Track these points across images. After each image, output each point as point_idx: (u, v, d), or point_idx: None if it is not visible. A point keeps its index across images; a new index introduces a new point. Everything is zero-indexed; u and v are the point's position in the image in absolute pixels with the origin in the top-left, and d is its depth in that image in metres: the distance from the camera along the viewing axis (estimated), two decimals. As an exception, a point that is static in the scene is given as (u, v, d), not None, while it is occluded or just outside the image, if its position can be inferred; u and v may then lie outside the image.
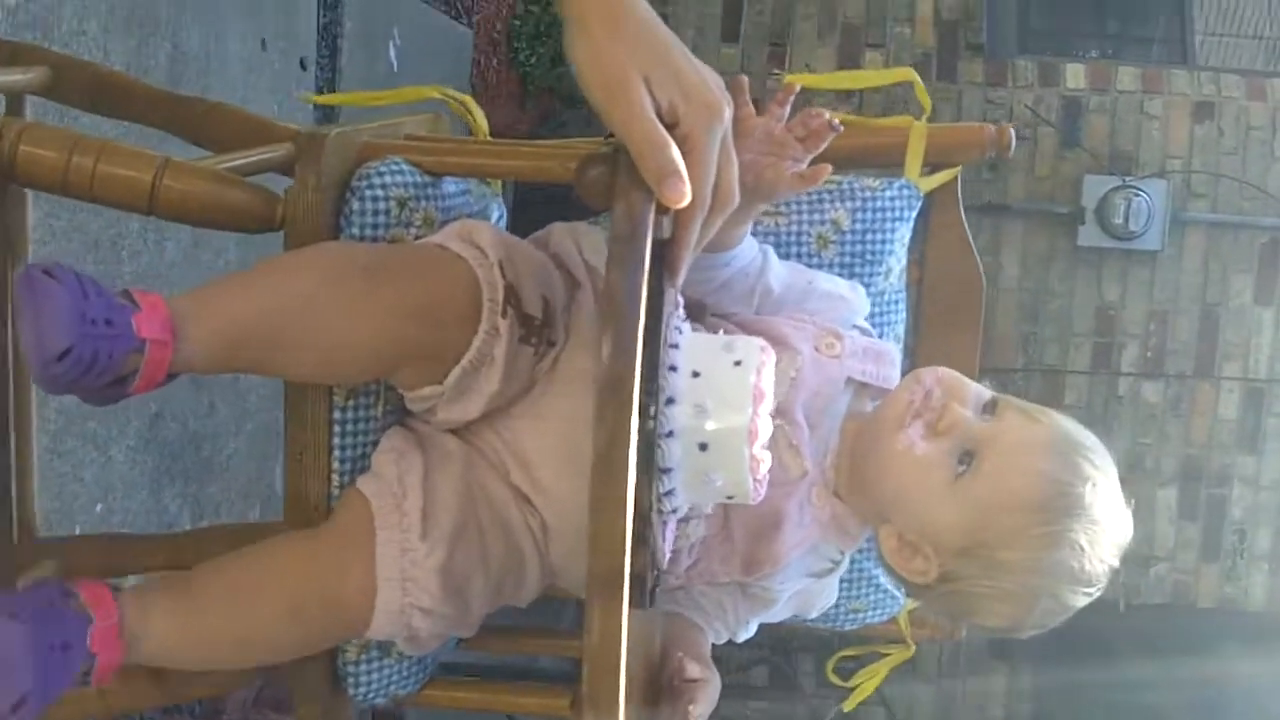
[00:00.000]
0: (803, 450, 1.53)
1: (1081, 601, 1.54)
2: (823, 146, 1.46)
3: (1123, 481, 1.57)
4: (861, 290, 1.69)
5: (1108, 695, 5.67)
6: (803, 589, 1.65)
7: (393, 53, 4.02)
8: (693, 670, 1.45)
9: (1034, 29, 5.95)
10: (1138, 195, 5.28)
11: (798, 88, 1.48)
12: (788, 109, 1.46)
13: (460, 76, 4.65)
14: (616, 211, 1.16)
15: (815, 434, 1.55)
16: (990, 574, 1.51)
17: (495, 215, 1.63)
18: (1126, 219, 5.27)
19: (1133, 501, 1.56)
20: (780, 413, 1.49)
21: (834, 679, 1.96)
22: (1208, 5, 5.97)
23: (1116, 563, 1.54)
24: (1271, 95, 5.44)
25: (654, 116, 1.18)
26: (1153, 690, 5.61)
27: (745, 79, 1.42)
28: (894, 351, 1.66)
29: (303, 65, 3.43)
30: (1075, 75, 5.48)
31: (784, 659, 5.45)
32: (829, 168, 1.45)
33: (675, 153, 1.17)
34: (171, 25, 2.75)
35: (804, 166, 1.46)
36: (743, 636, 1.67)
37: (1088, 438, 1.55)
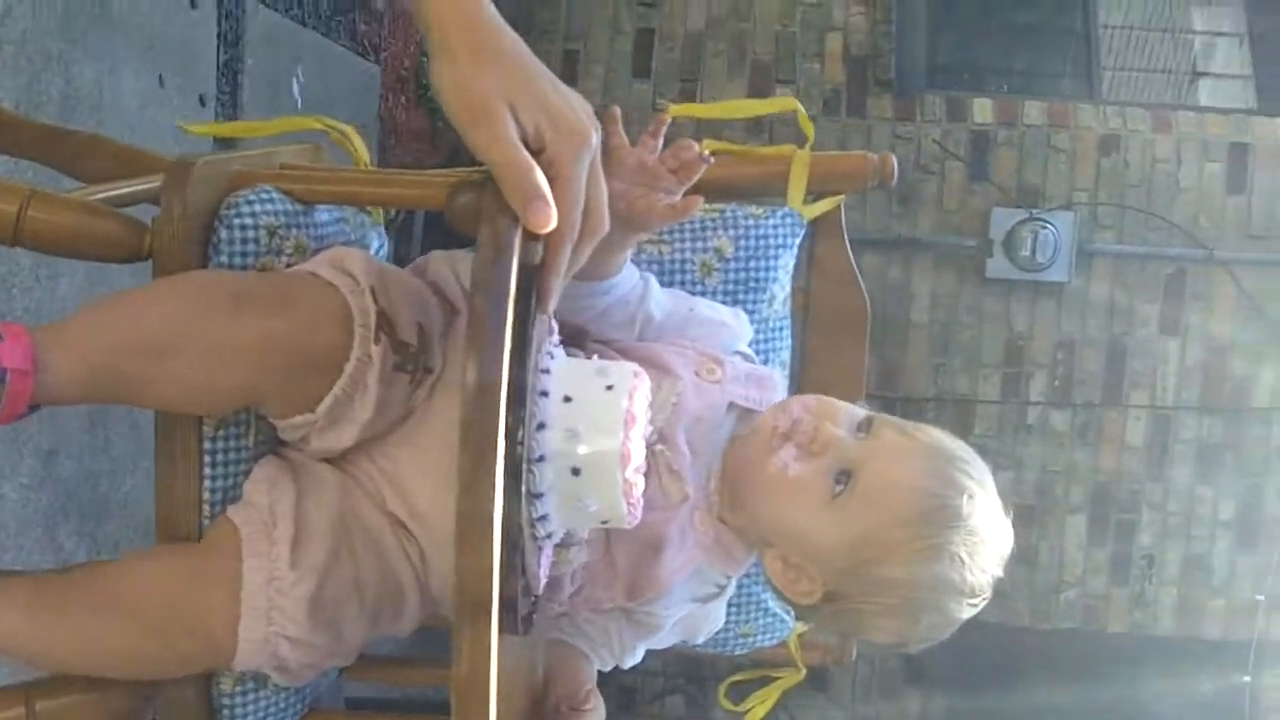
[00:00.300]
0: (684, 475, 1.53)
1: (967, 613, 1.55)
2: (695, 178, 1.46)
3: (1032, 509, 1.60)
4: (744, 316, 1.69)
5: (1020, 718, 5.70)
6: (689, 614, 1.64)
7: (296, 89, 3.99)
8: (585, 701, 1.45)
9: (942, 65, 6.01)
10: (1045, 227, 5.34)
11: (668, 119, 1.47)
12: (660, 140, 1.46)
13: (367, 113, 4.64)
14: (481, 236, 1.16)
15: (698, 459, 1.55)
16: (874, 591, 1.52)
17: (375, 244, 1.63)
18: (1034, 251, 5.33)
19: (1010, 511, 1.57)
20: (662, 438, 1.49)
21: (725, 704, 1.96)
22: (1114, 40, 6.06)
23: (999, 572, 1.55)
24: (1176, 128, 5.52)
25: (517, 141, 1.18)
26: (1065, 715, 5.65)
27: (618, 109, 1.42)
28: (777, 377, 1.67)
29: (202, 102, 3.41)
30: (983, 110, 5.54)
31: (698, 688, 5.44)
32: (700, 199, 1.46)
33: (539, 177, 1.17)
34: (63, 61, 2.73)
35: (677, 198, 1.46)
36: (629, 663, 1.67)
37: (963, 450, 1.55)
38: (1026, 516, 5.52)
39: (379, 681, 1.78)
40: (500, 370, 1.11)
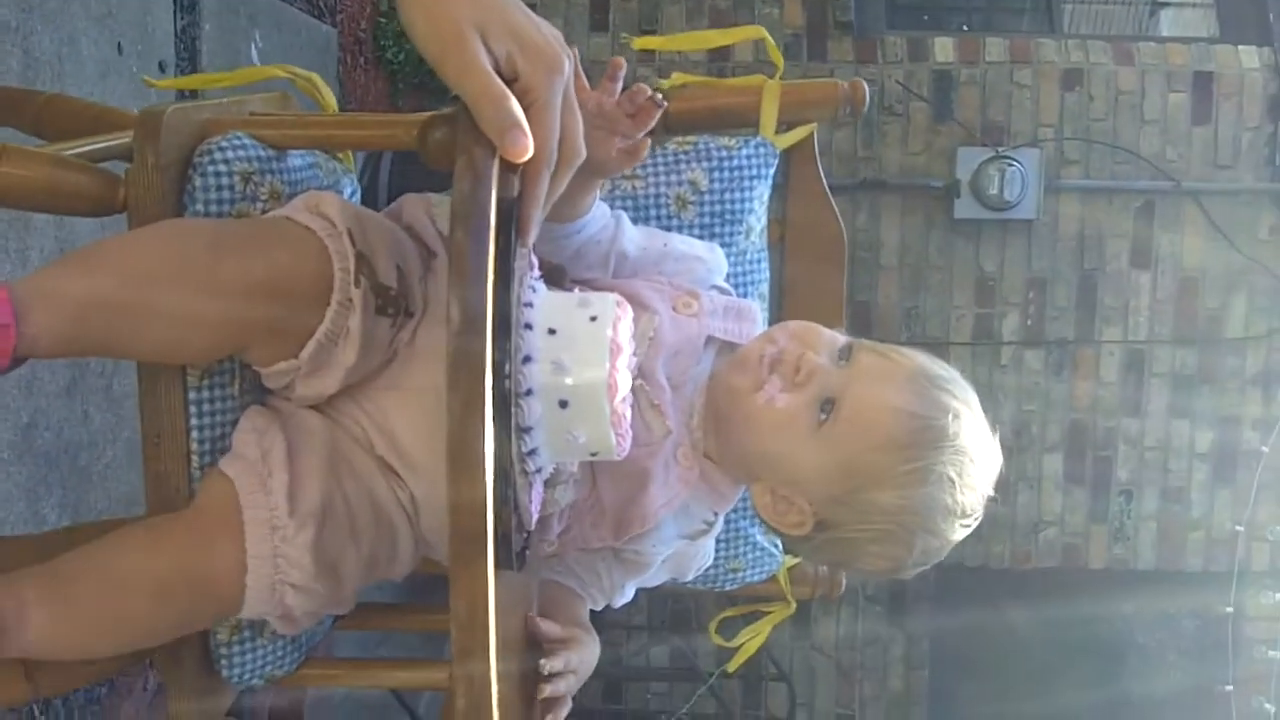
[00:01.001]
0: (665, 409, 1.52)
1: (960, 533, 1.55)
2: (651, 123, 1.44)
3: (1009, 450, 1.59)
4: (719, 251, 1.69)
5: (1005, 661, 5.73)
6: (677, 551, 1.65)
7: (255, 54, 3.97)
8: (549, 630, 1.45)
9: (901, 5, 5.99)
10: (1011, 165, 5.33)
11: (623, 66, 1.45)
12: (619, 85, 1.44)
13: (327, 76, 4.60)
14: (458, 168, 1.15)
15: (679, 394, 1.55)
16: (865, 518, 1.52)
17: (348, 190, 1.62)
18: (1001, 189, 5.32)
19: (998, 429, 1.57)
20: (641, 373, 1.49)
21: (717, 639, 1.96)
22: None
23: (990, 490, 1.55)
24: (1139, 59, 5.51)
25: (490, 69, 1.16)
26: (1049, 654, 5.68)
27: (577, 50, 1.41)
28: (755, 309, 1.66)
29: (161, 69, 3.38)
30: (944, 49, 5.52)
31: (684, 640, 5.45)
32: (648, 142, 1.45)
33: (515, 105, 1.15)
34: (21, 31, 2.70)
35: (634, 142, 1.45)
36: (619, 602, 1.67)
37: (945, 370, 1.55)
38: (1004, 457, 5.51)
39: (374, 629, 1.77)
40: (485, 301, 1.10)
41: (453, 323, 1.09)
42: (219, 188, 1.37)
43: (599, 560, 1.62)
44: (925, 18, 6.10)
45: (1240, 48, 5.50)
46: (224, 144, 1.38)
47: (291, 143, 1.45)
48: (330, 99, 1.69)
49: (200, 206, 1.37)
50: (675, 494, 1.55)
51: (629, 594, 1.68)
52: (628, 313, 1.31)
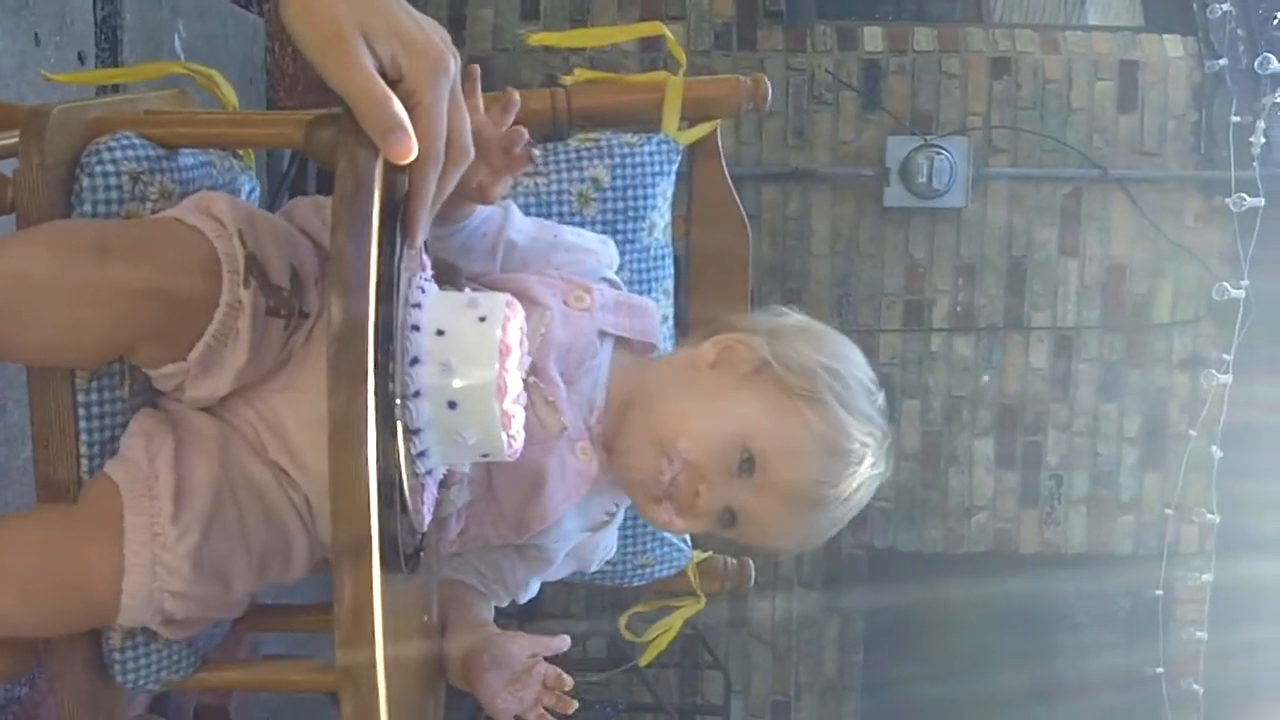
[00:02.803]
0: (560, 406, 1.53)
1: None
2: (516, 171, 1.45)
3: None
4: (611, 244, 1.69)
5: (939, 644, 5.77)
6: (579, 544, 1.66)
7: (178, 44, 3.94)
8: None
9: (831, -6, 6.02)
10: (940, 154, 5.35)
11: (518, 101, 1.45)
12: (510, 117, 1.43)
13: (254, 64, 4.57)
14: (340, 170, 1.15)
15: (574, 389, 1.55)
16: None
17: (246, 188, 1.61)
18: (930, 178, 5.34)
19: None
20: (534, 369, 1.49)
21: (627, 635, 1.97)
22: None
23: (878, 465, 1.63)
24: (1065, 47, 5.54)
25: (372, 70, 1.16)
26: (982, 638, 5.71)
27: (477, 68, 1.39)
28: (651, 305, 1.67)
29: (81, 59, 3.34)
30: (873, 38, 5.54)
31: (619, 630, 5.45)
32: (502, 188, 1.46)
33: (397, 106, 1.15)
34: (-69, 22, 2.67)
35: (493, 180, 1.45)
36: (524, 598, 1.68)
37: (838, 475, 1.58)
38: (934, 443, 5.57)
39: (275, 630, 1.76)
40: (366, 304, 1.10)
41: (333, 325, 1.08)
42: (107, 188, 1.36)
43: (502, 557, 1.62)
44: (854, 7, 6.11)
45: (1165, 36, 5.54)
46: (112, 144, 1.37)
47: (181, 141, 1.44)
48: (230, 95, 1.68)
49: (88, 207, 1.36)
50: (574, 490, 1.56)
51: (533, 589, 1.69)
52: (518, 313, 1.31)
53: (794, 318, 1.67)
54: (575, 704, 1.46)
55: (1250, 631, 5.61)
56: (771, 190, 5.45)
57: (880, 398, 1.63)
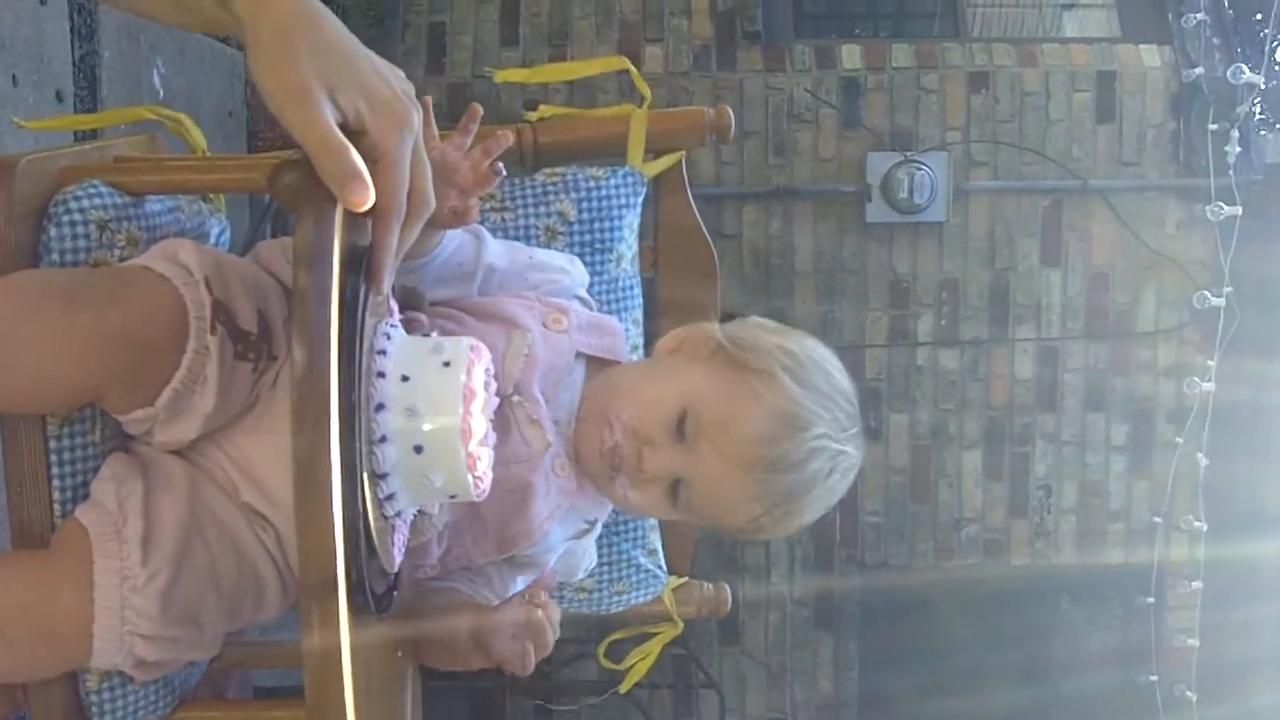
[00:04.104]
0: (543, 424, 1.56)
1: (840, 497, 1.63)
2: (487, 188, 1.47)
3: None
4: (578, 262, 1.72)
5: (932, 656, 5.77)
6: (566, 551, 1.69)
7: (157, 80, 3.95)
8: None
9: (809, 14, 6.04)
10: (920, 169, 5.38)
11: (479, 117, 1.47)
12: (469, 138, 1.47)
13: (234, 99, 4.59)
14: (302, 217, 1.16)
15: (553, 406, 1.58)
16: (750, 539, 1.63)
17: (215, 231, 1.62)
18: (911, 193, 5.37)
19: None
20: (518, 389, 1.53)
21: (605, 663, 1.99)
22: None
23: (857, 466, 1.63)
24: (1043, 60, 5.57)
25: (331, 121, 1.17)
26: (975, 649, 5.72)
27: (430, 99, 1.41)
28: (615, 322, 1.70)
29: (59, 98, 3.36)
30: (851, 56, 5.57)
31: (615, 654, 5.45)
32: (476, 209, 1.48)
33: (354, 156, 1.17)
34: (-93, 66, 2.69)
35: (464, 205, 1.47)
36: None
37: (782, 439, 1.57)
38: (923, 456, 5.59)
39: (258, 666, 1.78)
40: (328, 348, 1.11)
41: (296, 369, 1.10)
42: (74, 237, 1.38)
43: (489, 565, 1.64)
44: (832, 26, 6.14)
45: (1141, 47, 5.58)
46: (79, 193, 1.39)
47: (148, 188, 1.46)
48: (199, 139, 1.70)
49: (56, 257, 1.37)
50: (557, 505, 1.60)
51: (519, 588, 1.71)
52: (482, 356, 1.33)
53: (766, 321, 1.68)
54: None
55: (1242, 634, 5.63)
56: (753, 209, 5.48)
57: (847, 385, 1.63)
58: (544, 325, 1.60)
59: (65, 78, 3.44)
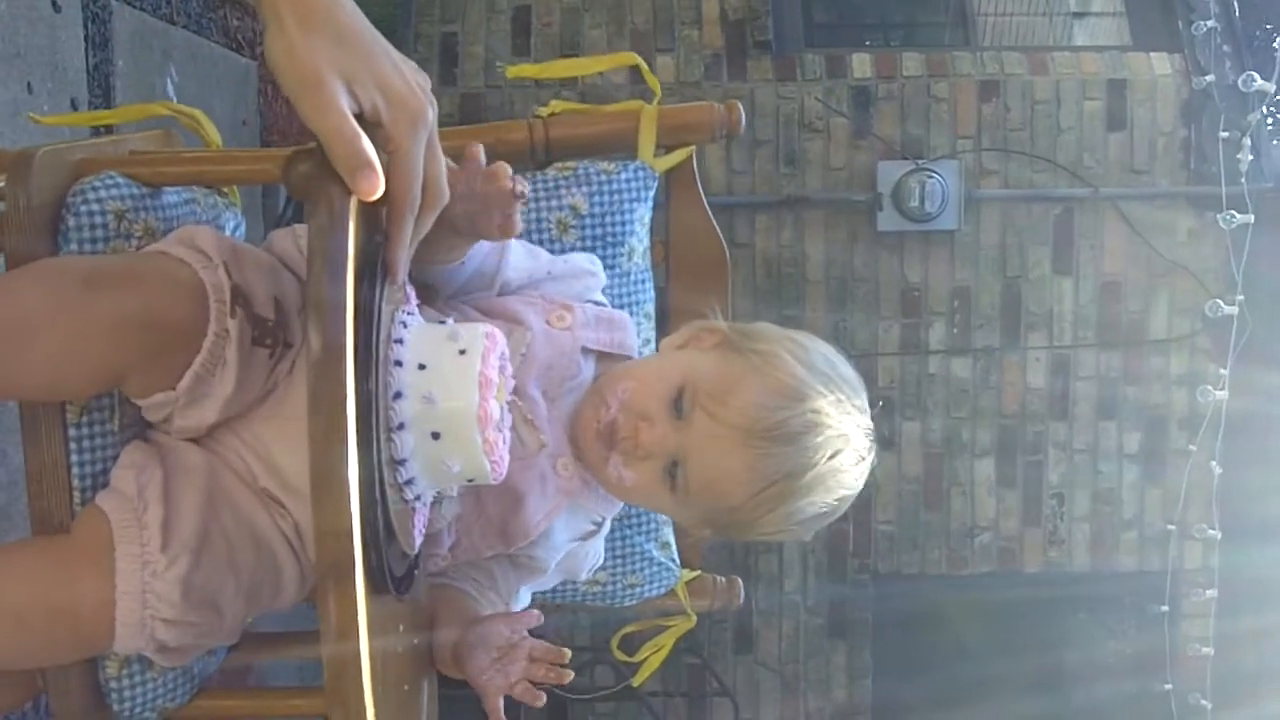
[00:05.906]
0: (539, 424, 1.56)
1: (845, 492, 1.60)
2: (517, 203, 1.43)
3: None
4: (598, 262, 1.72)
5: (945, 665, 5.77)
6: (569, 552, 1.69)
7: (171, 89, 3.98)
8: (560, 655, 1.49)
9: (819, 23, 6.05)
10: (931, 177, 5.39)
11: (479, 155, 1.45)
12: (478, 164, 1.45)
13: (247, 109, 4.62)
14: (315, 205, 1.18)
15: (555, 406, 1.58)
16: (752, 530, 1.60)
17: (230, 224, 1.64)
18: (922, 201, 5.38)
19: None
20: (514, 389, 1.51)
21: (619, 655, 1.99)
22: (990, -13, 6.12)
23: (865, 461, 1.60)
24: (1053, 69, 5.58)
25: (346, 110, 1.18)
26: (988, 657, 5.71)
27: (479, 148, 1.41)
28: (625, 317, 1.70)
29: (74, 106, 3.39)
30: (862, 65, 5.58)
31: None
32: (518, 218, 1.45)
33: (366, 144, 1.18)
34: (-75, 74, 2.71)
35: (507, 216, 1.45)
36: (516, 607, 1.69)
37: (780, 408, 1.54)
38: (935, 465, 5.59)
39: (275, 657, 1.79)
40: (343, 332, 1.12)
41: (312, 353, 1.11)
42: (92, 226, 1.40)
43: (494, 564, 1.65)
44: (843, 36, 6.15)
45: (1152, 54, 5.59)
46: (97, 184, 1.41)
47: (164, 180, 1.48)
48: (214, 134, 1.71)
49: (75, 246, 1.39)
50: (555, 505, 1.59)
51: (524, 599, 1.71)
52: (498, 344, 1.34)
53: (775, 326, 1.67)
54: (571, 674, 1.48)
55: (1257, 642, 5.62)
56: (765, 218, 5.49)
57: (852, 374, 1.61)
58: (547, 323, 1.60)
59: (80, 86, 3.46)
